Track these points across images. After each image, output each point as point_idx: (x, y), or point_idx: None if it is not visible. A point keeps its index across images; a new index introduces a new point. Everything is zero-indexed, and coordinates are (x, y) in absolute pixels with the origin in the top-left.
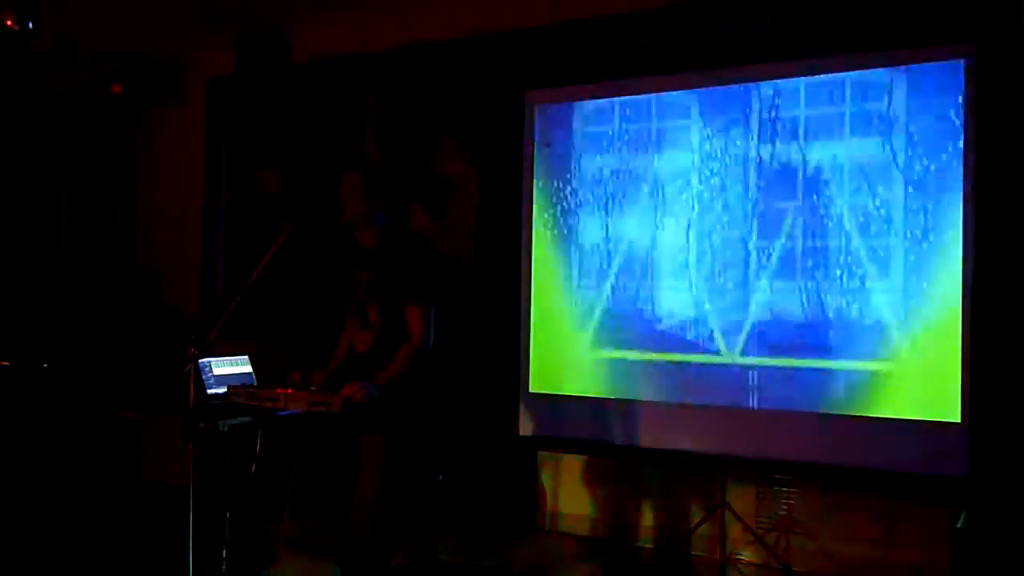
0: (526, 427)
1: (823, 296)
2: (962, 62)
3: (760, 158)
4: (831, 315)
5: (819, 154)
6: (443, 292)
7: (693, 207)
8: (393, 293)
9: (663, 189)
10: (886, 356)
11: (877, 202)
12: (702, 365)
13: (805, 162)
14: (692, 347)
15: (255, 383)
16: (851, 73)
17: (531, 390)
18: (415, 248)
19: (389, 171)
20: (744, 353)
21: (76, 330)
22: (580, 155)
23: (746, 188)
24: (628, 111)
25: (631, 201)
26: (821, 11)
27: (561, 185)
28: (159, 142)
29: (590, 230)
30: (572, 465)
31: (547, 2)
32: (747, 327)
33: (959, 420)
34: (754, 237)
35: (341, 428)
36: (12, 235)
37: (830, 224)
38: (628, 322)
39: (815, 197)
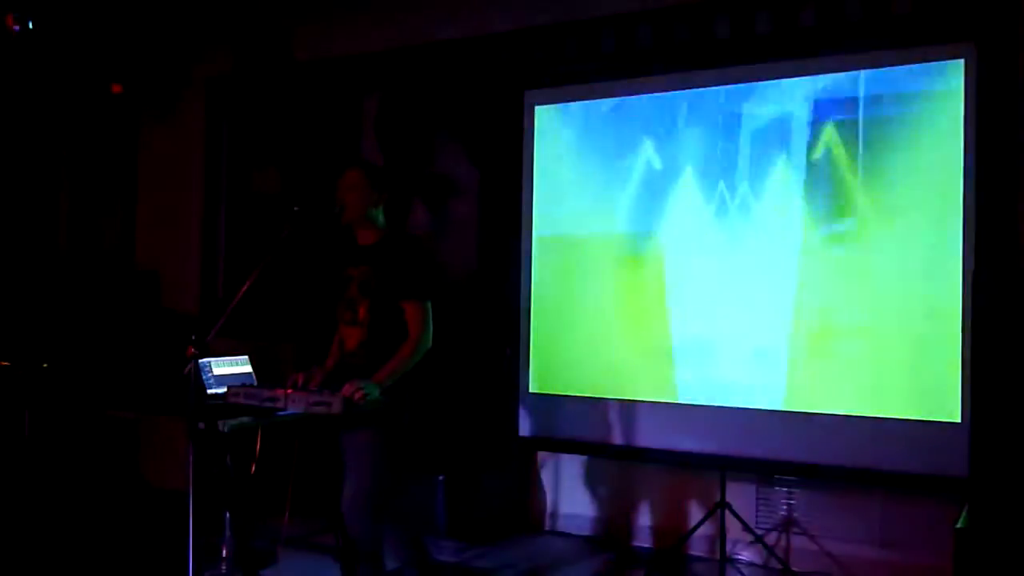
0: (526, 427)
1: None
2: (962, 62)
3: (761, 155)
4: None
5: (817, 153)
6: (439, 288)
7: (692, 205)
8: (386, 290)
9: (663, 188)
10: (886, 356)
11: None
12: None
13: (805, 159)
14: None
15: (255, 383)
16: (850, 73)
17: (531, 390)
18: (411, 246)
19: (389, 170)
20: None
21: (76, 330)
22: (582, 154)
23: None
24: (627, 111)
25: (632, 199)
26: (821, 11)
27: (564, 184)
28: (159, 142)
29: (590, 229)
30: (572, 465)
31: (547, 2)
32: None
33: (959, 420)
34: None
35: (341, 428)
36: (12, 235)
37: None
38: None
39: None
